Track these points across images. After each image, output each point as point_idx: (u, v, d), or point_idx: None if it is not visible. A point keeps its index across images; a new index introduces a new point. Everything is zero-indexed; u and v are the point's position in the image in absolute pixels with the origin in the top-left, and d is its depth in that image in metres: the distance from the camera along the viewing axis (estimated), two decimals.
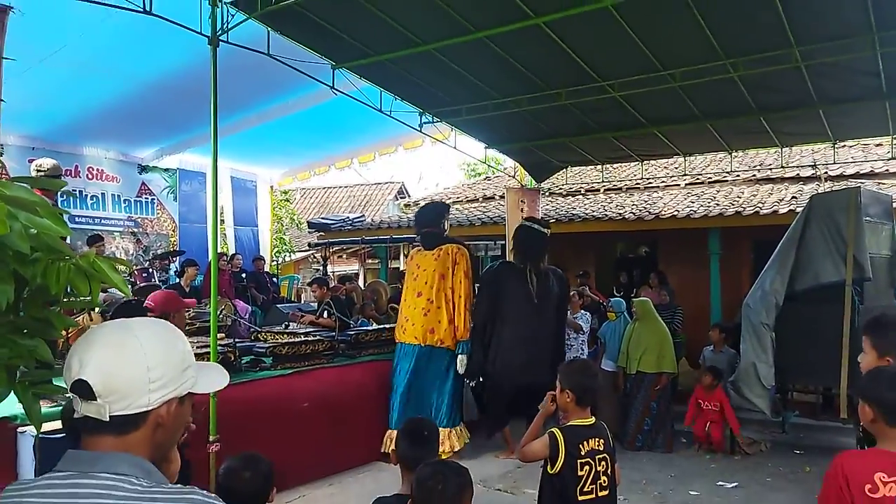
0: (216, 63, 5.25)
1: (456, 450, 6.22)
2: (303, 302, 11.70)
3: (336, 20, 6.12)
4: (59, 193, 8.10)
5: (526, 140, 9.36)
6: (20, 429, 4.07)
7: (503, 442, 6.58)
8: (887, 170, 10.11)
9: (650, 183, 11.97)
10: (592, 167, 11.28)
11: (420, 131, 8.93)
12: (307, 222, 15.05)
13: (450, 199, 14.15)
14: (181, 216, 11.76)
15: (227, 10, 5.44)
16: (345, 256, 17.76)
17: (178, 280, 8.99)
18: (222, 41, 5.54)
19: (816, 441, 7.08)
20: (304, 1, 5.54)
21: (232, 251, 11.77)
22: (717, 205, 9.74)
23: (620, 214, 10.08)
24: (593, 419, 3.03)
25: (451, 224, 7.74)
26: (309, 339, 6.45)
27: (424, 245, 6.77)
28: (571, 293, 7.72)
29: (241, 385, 5.29)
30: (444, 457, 5.37)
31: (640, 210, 10.14)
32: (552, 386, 3.09)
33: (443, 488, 2.19)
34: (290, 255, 18.30)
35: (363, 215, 15.09)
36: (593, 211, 10.73)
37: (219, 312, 5.26)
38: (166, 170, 11.52)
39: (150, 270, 9.09)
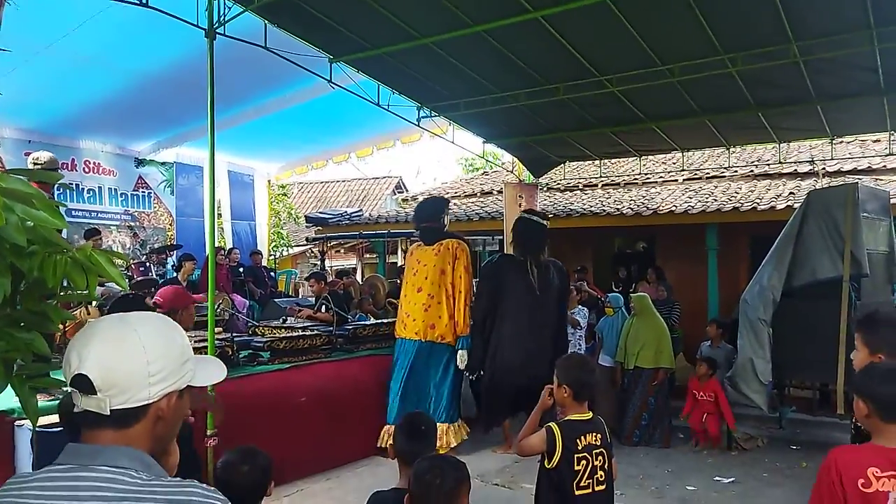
0: (213, 56, 5.23)
1: (453, 445, 6.22)
2: (300, 296, 11.70)
3: (333, 13, 6.10)
4: (55, 186, 8.06)
5: (524, 135, 9.35)
6: (17, 422, 4.07)
7: (501, 437, 6.58)
8: (885, 166, 10.11)
9: (648, 178, 11.97)
10: (590, 162, 11.28)
11: (418, 125, 8.91)
12: (305, 217, 15.03)
13: (448, 193, 14.13)
14: (178, 210, 11.74)
15: (224, 3, 5.42)
16: (342, 251, 17.75)
17: (175, 275, 8.97)
18: (219, 34, 5.51)
19: (813, 437, 7.10)
20: None
21: (229, 245, 11.75)
22: (715, 200, 9.75)
23: (618, 210, 10.08)
24: (590, 414, 3.03)
25: (449, 219, 7.72)
26: (306, 333, 6.45)
27: (424, 240, 6.75)
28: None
29: (239, 379, 5.29)
30: (441, 452, 5.38)
31: (638, 205, 10.14)
32: (552, 380, 3.09)
33: (440, 483, 2.19)
34: (287, 250, 18.27)
35: (361, 210, 15.08)
36: (591, 206, 10.73)
37: (216, 307, 5.25)
38: (163, 163, 11.49)
39: (148, 264, 9.07)
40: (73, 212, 9.89)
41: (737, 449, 6.74)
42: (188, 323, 4.25)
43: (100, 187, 10.59)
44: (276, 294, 11.17)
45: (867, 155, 10.63)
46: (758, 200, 9.21)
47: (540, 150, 9.99)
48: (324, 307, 7.46)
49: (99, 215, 10.51)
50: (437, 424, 6.04)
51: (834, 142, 9.38)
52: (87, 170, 10.37)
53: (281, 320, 7.63)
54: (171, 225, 11.68)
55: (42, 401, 3.34)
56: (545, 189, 12.33)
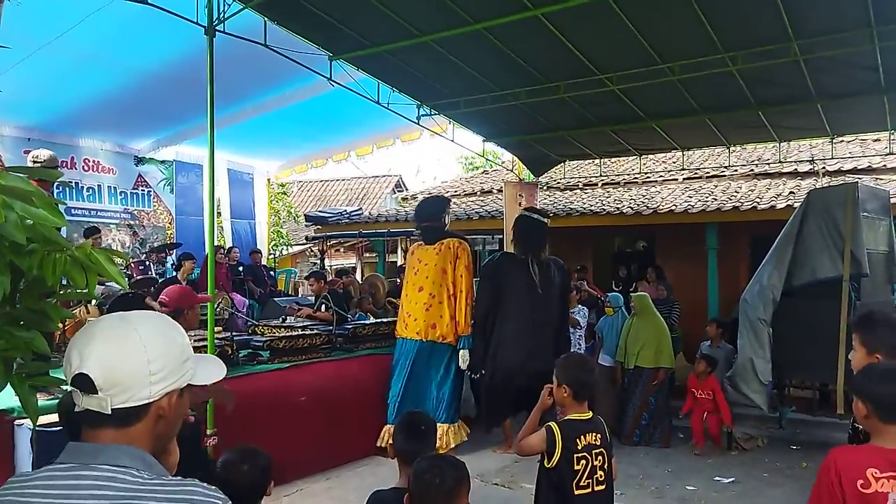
0: (212, 53, 5.23)
1: (453, 446, 6.21)
2: (300, 295, 11.68)
3: (333, 10, 6.09)
4: (54, 185, 8.07)
5: (524, 133, 9.35)
6: (17, 421, 4.06)
7: (501, 436, 6.57)
8: (885, 165, 10.12)
9: (648, 177, 11.97)
10: (590, 161, 11.27)
11: (418, 124, 8.90)
12: (304, 215, 15.02)
13: (447, 192, 14.12)
14: (178, 208, 11.72)
15: (224, 0, 5.41)
16: (342, 250, 17.74)
17: (174, 273, 8.96)
18: (219, 31, 5.51)
19: (813, 437, 7.10)
20: None
21: (229, 244, 11.73)
22: (715, 199, 9.75)
23: (618, 209, 10.07)
24: (590, 414, 3.03)
25: (450, 218, 7.70)
26: (306, 332, 6.44)
27: (425, 239, 6.73)
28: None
29: (239, 378, 5.28)
30: (441, 452, 5.37)
31: (638, 204, 10.14)
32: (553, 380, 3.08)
33: (440, 482, 2.19)
34: (287, 249, 18.26)
35: (361, 209, 15.08)
36: (591, 205, 10.72)
37: (216, 306, 5.24)
38: (162, 162, 11.48)
39: (147, 263, 9.07)
40: (72, 210, 9.88)
41: (737, 449, 6.73)
42: (193, 323, 4.25)
43: (99, 185, 10.58)
44: (276, 293, 11.16)
45: (867, 154, 10.63)
46: (758, 200, 9.21)
47: (540, 148, 9.99)
48: (323, 306, 7.45)
49: (98, 214, 10.50)
50: (438, 424, 6.06)
51: (834, 141, 9.38)
52: (86, 168, 10.36)
53: (280, 319, 7.63)
54: (170, 223, 11.66)
55: (42, 400, 3.34)
56: (545, 188, 12.32)
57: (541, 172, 11.01)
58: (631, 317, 7.21)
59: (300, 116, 9.81)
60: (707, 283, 9.48)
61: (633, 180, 12.05)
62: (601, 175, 11.54)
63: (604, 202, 10.91)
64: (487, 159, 12.71)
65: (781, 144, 9.53)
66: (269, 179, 13.68)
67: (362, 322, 7.64)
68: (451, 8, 5.75)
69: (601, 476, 2.93)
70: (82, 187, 10.30)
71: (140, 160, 11.14)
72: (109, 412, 1.14)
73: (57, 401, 3.06)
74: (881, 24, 5.62)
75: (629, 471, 5.77)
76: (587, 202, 11.12)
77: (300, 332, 6.41)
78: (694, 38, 6.08)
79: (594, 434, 2.95)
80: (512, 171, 11.73)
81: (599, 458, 2.93)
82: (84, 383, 1.13)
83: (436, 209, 6.88)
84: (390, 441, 2.83)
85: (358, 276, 13.87)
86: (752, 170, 11.33)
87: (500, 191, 11.48)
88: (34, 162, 5.08)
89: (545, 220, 6.80)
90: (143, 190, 11.25)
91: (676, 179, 11.75)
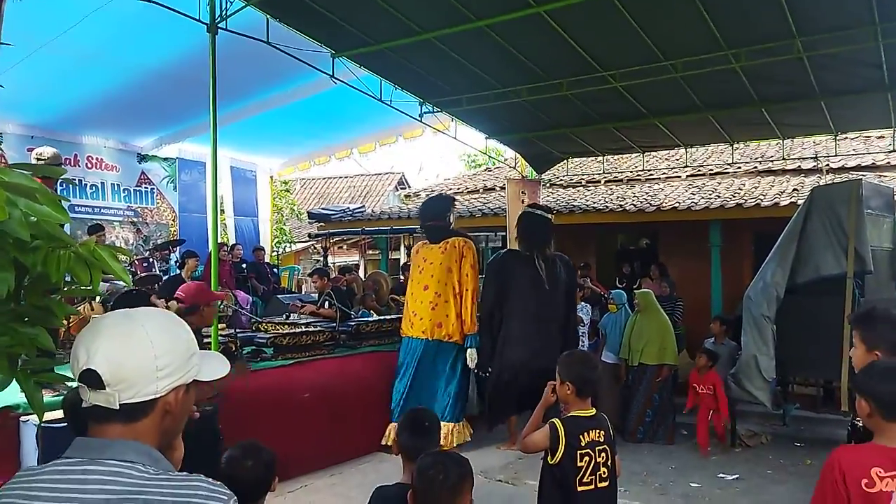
0: (215, 51, 5.24)
1: (455, 445, 6.20)
2: (303, 293, 11.70)
3: (335, 8, 6.09)
4: (58, 182, 8.08)
5: (527, 131, 9.34)
6: (22, 418, 4.08)
7: (506, 433, 6.57)
8: (889, 162, 10.09)
9: (651, 174, 11.95)
10: (593, 159, 11.26)
11: (420, 121, 8.90)
12: (307, 213, 15.03)
13: (450, 189, 14.13)
14: (181, 206, 11.74)
15: None
16: (345, 247, 17.75)
17: (178, 271, 8.98)
18: (221, 28, 5.52)
19: (817, 434, 7.10)
20: None
21: (232, 241, 11.76)
22: (719, 197, 9.73)
23: (621, 206, 10.06)
24: (594, 410, 3.02)
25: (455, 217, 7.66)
26: (310, 329, 6.45)
27: (430, 238, 6.71)
28: None
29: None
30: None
31: (641, 202, 10.12)
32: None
33: (443, 478, 2.19)
34: (290, 246, 18.30)
35: (363, 206, 15.07)
36: (594, 202, 10.71)
37: (219, 303, 5.25)
38: (165, 159, 11.50)
39: (151, 260, 9.09)
40: (75, 207, 9.90)
41: (741, 446, 6.72)
42: (210, 319, 4.27)
43: (102, 183, 10.60)
44: (279, 290, 11.19)
45: (871, 151, 10.61)
46: (761, 197, 9.19)
47: (542, 146, 9.98)
48: (327, 303, 7.47)
49: (102, 211, 10.52)
50: (444, 423, 6.08)
51: (838, 138, 9.35)
52: (89, 165, 10.38)
53: (284, 316, 7.64)
54: (173, 221, 11.68)
55: (47, 396, 3.35)
56: (548, 185, 12.31)
57: (544, 170, 11.00)
58: (635, 314, 7.20)
59: (303, 114, 9.82)
60: (710, 280, 9.47)
61: (636, 177, 12.03)
62: (604, 172, 11.52)
63: (607, 199, 10.90)
64: (490, 156, 12.74)
65: (785, 142, 9.51)
66: (271, 177, 13.69)
67: (365, 319, 7.65)
68: (454, 5, 5.75)
69: (604, 473, 2.93)
70: (86, 185, 10.32)
71: (143, 158, 11.17)
72: (117, 407, 1.15)
73: (62, 397, 3.08)
74: (885, 22, 5.60)
75: (633, 467, 5.77)
76: (590, 199, 11.11)
77: (303, 329, 6.42)
78: (697, 34, 6.06)
79: (597, 431, 2.95)
80: (515, 168, 11.73)
81: (603, 454, 2.93)
82: (92, 379, 1.14)
83: (441, 208, 6.86)
84: (394, 438, 2.83)
85: (361, 274, 13.88)
86: (755, 167, 11.30)
87: (502, 188, 11.49)
88: (38, 159, 5.10)
89: (549, 216, 6.78)
90: (146, 187, 11.27)
91: (680, 176, 11.73)
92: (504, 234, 10.00)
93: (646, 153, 10.55)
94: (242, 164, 12.55)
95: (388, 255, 13.84)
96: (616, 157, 11.53)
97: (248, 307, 9.05)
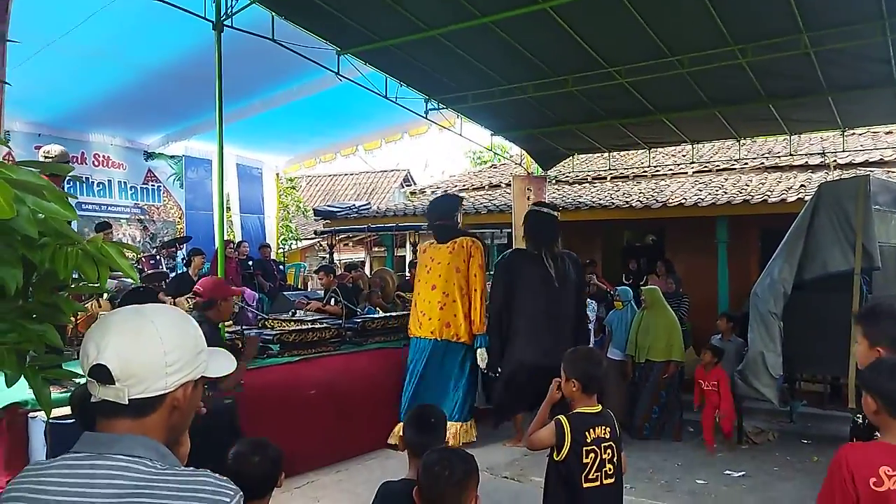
0: (221, 48, 5.25)
1: (462, 444, 6.18)
2: (309, 289, 11.72)
3: (341, 5, 6.09)
4: (65, 180, 8.12)
5: (532, 127, 9.32)
6: (31, 414, 4.10)
7: (512, 430, 6.57)
8: None
9: (657, 171, 11.91)
10: (599, 155, 11.23)
11: (426, 118, 8.90)
12: (313, 210, 15.07)
13: (456, 186, 14.13)
14: (187, 203, 11.78)
15: None
16: (351, 244, 17.77)
17: (185, 269, 9.01)
18: (227, 26, 5.53)
19: (824, 431, 7.07)
20: None
21: (238, 239, 11.79)
22: (725, 193, 9.69)
23: (627, 202, 10.04)
24: (599, 407, 3.02)
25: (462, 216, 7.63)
26: (316, 326, 6.47)
27: (438, 238, 6.70)
28: None
29: (249, 372, 5.27)
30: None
31: (648, 198, 10.10)
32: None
33: (449, 474, 2.19)
34: (296, 243, 18.32)
35: (369, 203, 15.08)
36: (600, 199, 10.69)
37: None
38: (172, 157, 11.54)
39: (158, 258, 9.13)
40: (83, 205, 9.94)
41: (747, 443, 6.71)
42: (226, 313, 4.30)
43: (109, 181, 10.65)
44: (285, 287, 11.21)
45: (879, 147, 10.55)
46: (768, 193, 9.15)
47: (548, 142, 9.96)
48: (333, 300, 7.48)
49: (109, 209, 10.57)
50: (452, 423, 6.08)
51: (845, 133, 9.31)
52: (96, 163, 10.42)
53: (290, 313, 7.65)
54: (180, 218, 11.73)
55: (55, 392, 3.37)
56: (554, 182, 12.29)
57: (549, 166, 10.98)
58: (641, 310, 7.19)
59: (308, 111, 9.83)
60: (717, 276, 9.44)
61: (642, 174, 12.00)
62: (610, 169, 11.49)
63: (613, 196, 10.87)
64: (496, 153, 12.73)
65: (792, 137, 9.46)
66: (277, 174, 13.72)
67: (371, 316, 7.66)
68: (459, 1, 5.74)
69: (610, 469, 2.92)
70: (93, 182, 10.37)
71: (150, 155, 11.21)
72: (126, 403, 1.16)
73: (69, 393, 3.09)
74: (894, 16, 5.56)
75: (639, 464, 5.76)
76: (596, 196, 11.09)
77: (310, 326, 6.44)
78: (703, 30, 6.04)
79: (603, 427, 2.95)
80: (520, 164, 11.72)
81: (608, 451, 2.93)
82: (101, 374, 1.15)
83: (448, 208, 6.83)
84: (401, 435, 2.84)
85: (367, 270, 13.89)
86: (762, 163, 11.25)
87: (508, 185, 11.47)
88: (45, 157, 5.13)
89: (555, 213, 6.75)
90: (152, 185, 11.32)
91: (686, 173, 11.70)
92: (510, 230, 9.99)
93: (652, 149, 10.52)
94: (248, 162, 12.58)
95: (394, 252, 13.85)
96: (622, 153, 11.51)
97: (255, 304, 9.08)
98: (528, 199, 9.42)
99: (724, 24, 5.86)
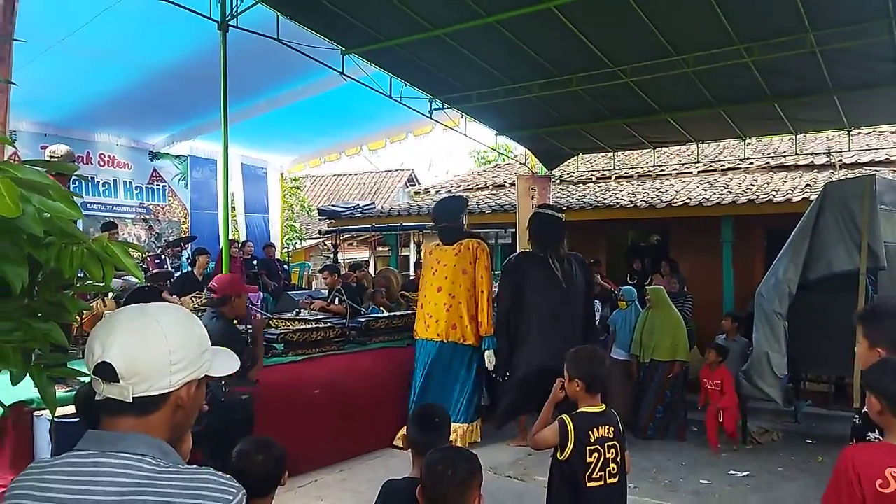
0: (226, 48, 5.26)
1: (467, 445, 6.19)
2: (314, 289, 11.75)
3: (345, 5, 6.10)
4: (71, 179, 8.15)
5: (537, 127, 9.32)
6: (36, 413, 4.12)
7: (516, 429, 6.56)
8: None
9: (662, 170, 11.89)
10: (604, 154, 11.23)
11: (430, 118, 8.90)
12: (317, 209, 15.08)
13: (460, 186, 14.13)
14: (192, 203, 11.82)
15: None
16: (355, 244, 17.79)
17: (190, 268, 9.04)
18: (232, 26, 5.54)
19: (829, 431, 7.05)
20: None
21: (243, 238, 11.81)
22: (730, 192, 9.66)
23: (632, 202, 10.02)
24: (603, 406, 3.02)
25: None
26: (320, 325, 6.48)
27: (443, 239, 6.70)
28: None
29: None
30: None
31: (652, 198, 10.08)
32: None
33: (452, 473, 2.19)
34: (300, 243, 18.36)
35: (373, 203, 15.09)
36: (604, 199, 10.67)
37: None
38: (177, 156, 11.58)
39: (163, 257, 9.16)
40: (88, 205, 9.98)
41: (752, 443, 6.69)
42: (240, 310, 4.32)
43: (115, 180, 10.69)
44: (290, 287, 11.23)
45: (885, 146, 10.50)
46: (774, 192, 9.12)
47: (553, 142, 9.95)
48: (337, 300, 7.48)
49: (114, 208, 10.61)
50: (458, 425, 6.08)
51: (851, 133, 9.27)
52: (102, 163, 10.46)
53: (294, 313, 7.67)
54: (185, 218, 11.76)
55: (60, 391, 3.39)
56: (558, 181, 12.28)
57: (554, 166, 10.97)
58: (646, 310, 7.18)
59: (313, 111, 9.84)
60: (722, 276, 9.41)
61: (646, 173, 11.98)
62: (614, 168, 11.47)
63: (617, 195, 10.85)
64: (500, 153, 12.70)
65: (797, 137, 9.44)
66: (282, 174, 13.75)
67: (375, 315, 7.66)
68: (463, 1, 5.74)
69: (614, 469, 2.92)
70: (98, 182, 10.41)
71: (155, 155, 11.25)
72: (130, 401, 1.17)
73: (74, 392, 3.11)
74: None
75: (643, 464, 5.75)
76: (600, 196, 11.07)
77: (314, 326, 6.44)
78: (708, 29, 6.03)
79: (607, 427, 2.95)
80: (525, 164, 11.71)
81: (612, 450, 2.93)
82: (106, 372, 1.16)
83: (454, 209, 6.81)
84: (405, 434, 2.85)
85: (371, 270, 13.91)
86: (767, 162, 11.22)
87: (512, 184, 11.46)
88: (52, 157, 5.14)
89: (560, 215, 6.74)
90: (158, 185, 11.35)
91: (691, 172, 11.67)
92: (514, 230, 9.98)
93: (657, 149, 10.50)
94: (253, 162, 12.61)
95: (398, 252, 13.86)
96: (626, 153, 11.49)
97: (259, 303, 9.09)
98: (533, 198, 9.41)
99: (729, 22, 5.84)
